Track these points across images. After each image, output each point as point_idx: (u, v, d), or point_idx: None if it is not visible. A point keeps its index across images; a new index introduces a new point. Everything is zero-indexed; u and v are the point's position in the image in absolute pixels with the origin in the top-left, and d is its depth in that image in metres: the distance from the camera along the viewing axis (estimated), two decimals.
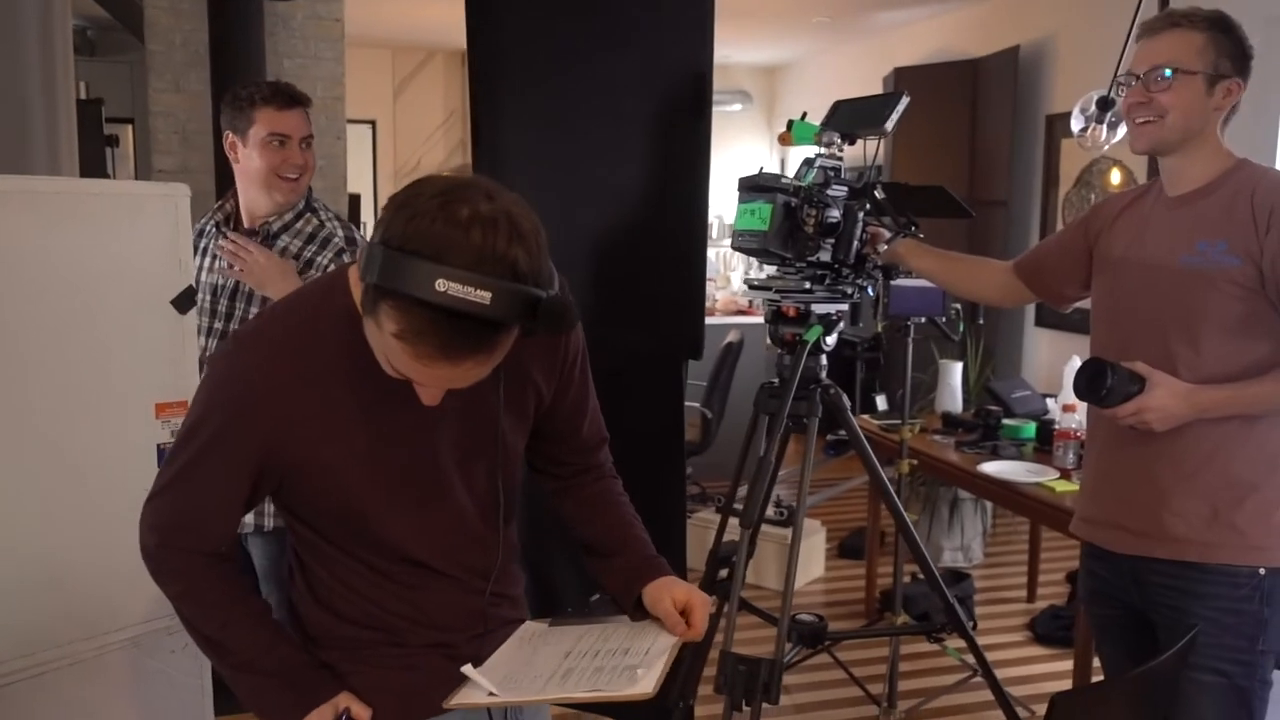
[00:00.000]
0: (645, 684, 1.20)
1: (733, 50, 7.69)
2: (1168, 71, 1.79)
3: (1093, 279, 2.02)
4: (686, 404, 4.62)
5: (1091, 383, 1.79)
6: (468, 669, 1.27)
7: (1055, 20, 5.31)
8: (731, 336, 4.94)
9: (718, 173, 2.69)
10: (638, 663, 1.25)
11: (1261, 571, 1.78)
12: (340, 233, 2.37)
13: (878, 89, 6.33)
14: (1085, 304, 2.10)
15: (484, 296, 1.02)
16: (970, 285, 2.33)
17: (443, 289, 1.01)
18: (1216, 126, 1.83)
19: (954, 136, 5.89)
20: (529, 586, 1.55)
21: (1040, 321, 5.48)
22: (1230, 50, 1.80)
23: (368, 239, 1.11)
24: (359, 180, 7.26)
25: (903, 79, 6.08)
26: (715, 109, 8.10)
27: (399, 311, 1.05)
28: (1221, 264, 1.77)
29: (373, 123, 7.76)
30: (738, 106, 8.37)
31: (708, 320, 2.98)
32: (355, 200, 5.70)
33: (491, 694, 1.24)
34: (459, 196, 1.06)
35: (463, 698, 1.26)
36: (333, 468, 1.27)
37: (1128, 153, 2.37)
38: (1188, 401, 1.76)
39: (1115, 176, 4.87)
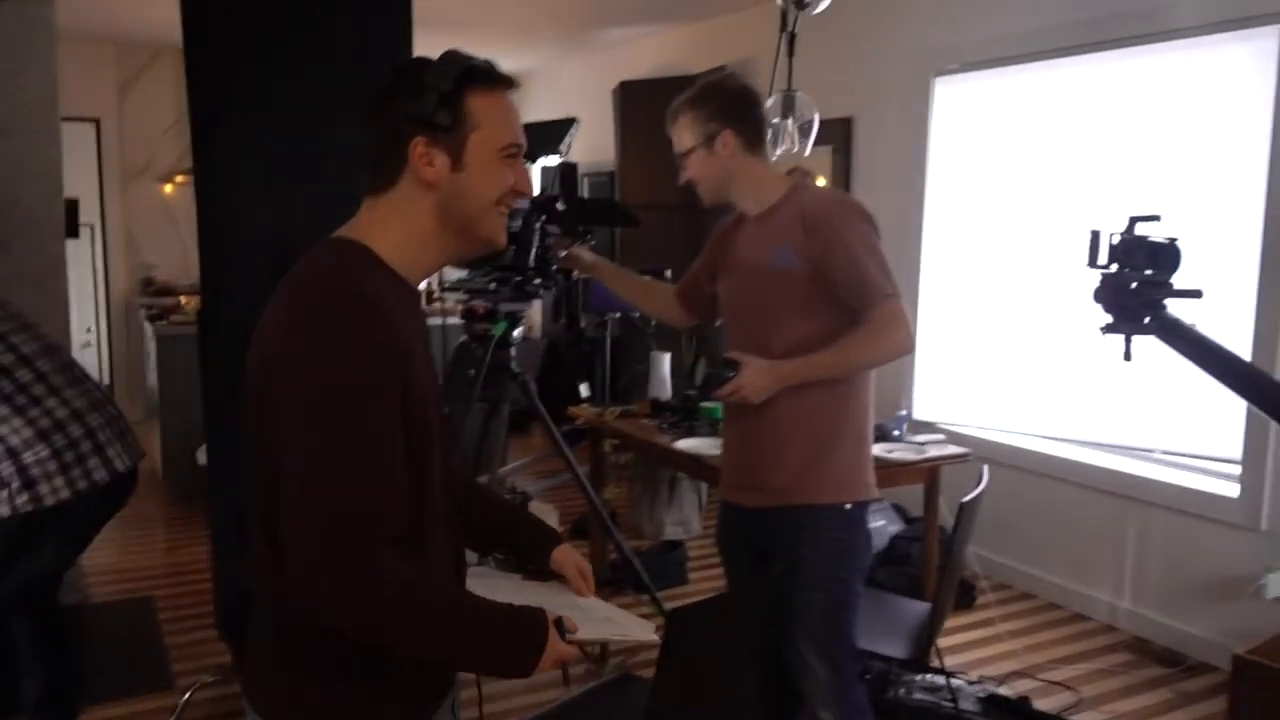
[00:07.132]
0: (647, 630, 1.51)
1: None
2: (681, 152, 2.29)
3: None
4: None
5: (705, 379, 2.25)
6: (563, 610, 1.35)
7: (754, 44, 5.88)
8: (464, 336, 5.19)
9: None
10: (610, 615, 1.53)
11: (847, 506, 2.24)
12: None
13: (608, 100, 6.76)
14: None
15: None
16: (650, 307, 2.74)
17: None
18: (749, 165, 2.28)
19: None
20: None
21: None
22: (711, 113, 2.25)
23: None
24: (82, 182, 6.92)
25: (628, 92, 6.53)
26: None
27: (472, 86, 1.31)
28: (788, 264, 2.22)
29: (96, 121, 7.43)
30: None
31: (444, 321, 3.21)
32: (73, 205, 5.29)
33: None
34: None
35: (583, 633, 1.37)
36: (422, 398, 1.25)
37: (815, 161, 2.88)
38: (772, 374, 2.17)
39: (820, 181, 5.48)
